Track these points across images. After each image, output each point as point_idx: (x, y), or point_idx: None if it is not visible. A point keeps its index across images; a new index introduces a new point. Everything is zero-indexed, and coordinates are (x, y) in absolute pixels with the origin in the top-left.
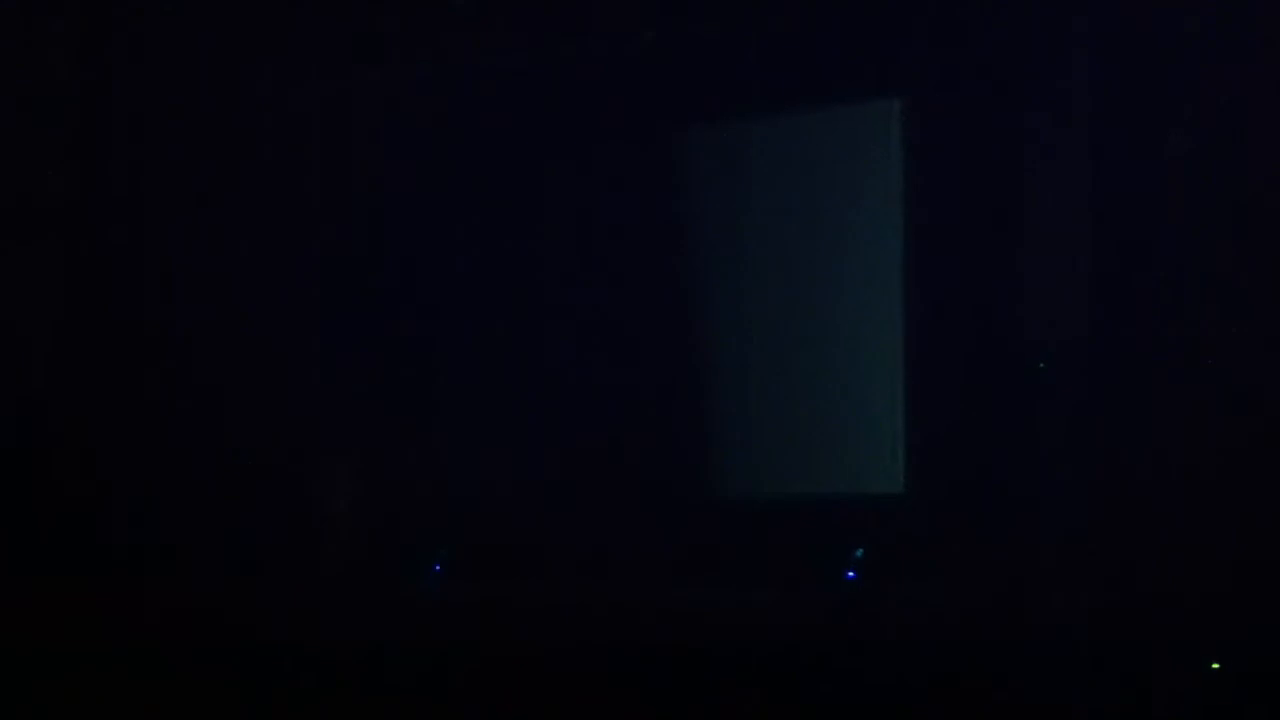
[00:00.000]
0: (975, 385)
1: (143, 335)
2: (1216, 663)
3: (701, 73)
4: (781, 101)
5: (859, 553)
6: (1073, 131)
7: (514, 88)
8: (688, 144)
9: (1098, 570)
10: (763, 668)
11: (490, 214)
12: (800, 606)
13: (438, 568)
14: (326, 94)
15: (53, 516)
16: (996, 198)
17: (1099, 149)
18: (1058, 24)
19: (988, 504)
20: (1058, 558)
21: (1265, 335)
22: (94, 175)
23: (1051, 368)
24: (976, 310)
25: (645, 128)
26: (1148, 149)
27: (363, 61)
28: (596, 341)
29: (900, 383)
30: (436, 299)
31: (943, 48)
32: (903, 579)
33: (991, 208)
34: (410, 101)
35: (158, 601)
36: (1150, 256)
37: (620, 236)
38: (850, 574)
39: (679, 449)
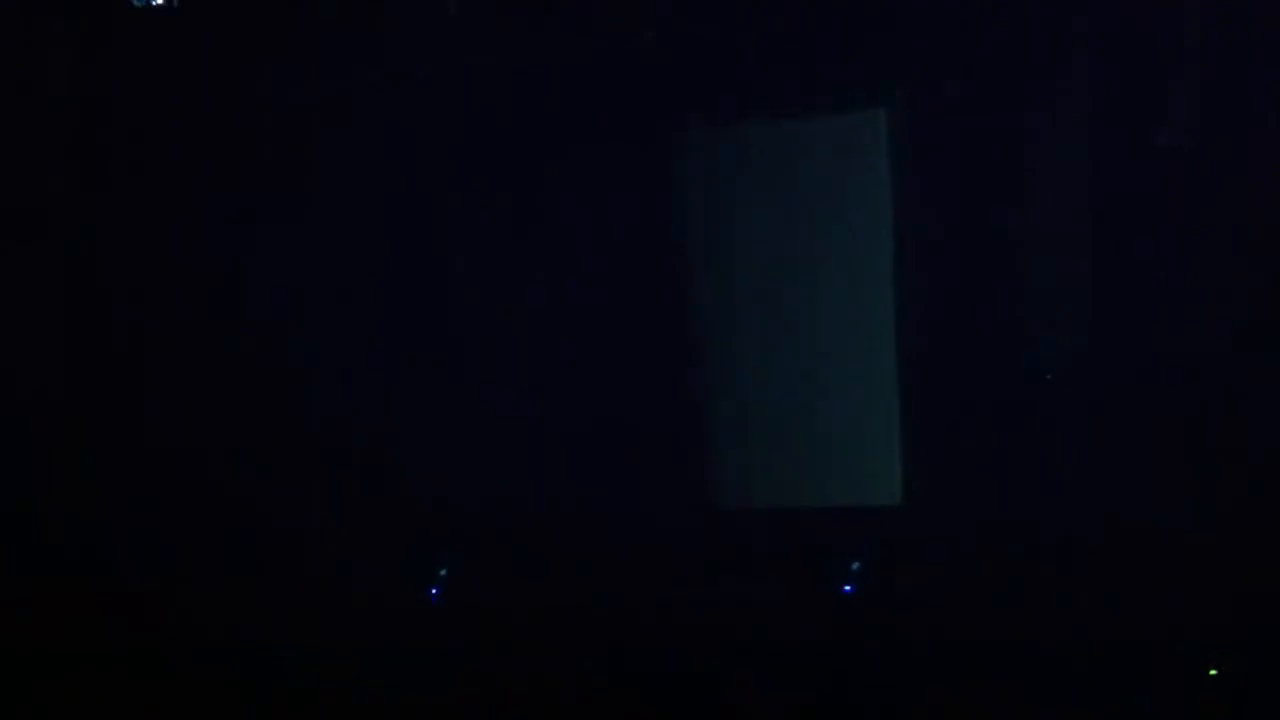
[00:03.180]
0: (974, 395)
1: (144, 336)
2: (1214, 669)
3: (695, 76)
4: (774, 105)
5: (856, 565)
6: (1071, 132)
7: (499, 93)
8: (678, 149)
9: (1097, 582)
10: (761, 672)
11: (481, 218)
12: (800, 613)
13: (441, 574)
14: (325, 96)
15: (53, 517)
16: (993, 203)
17: (1098, 148)
18: (1057, 23)
19: (987, 515)
20: (1057, 568)
21: (1267, 336)
22: (94, 176)
23: (1053, 377)
24: (973, 319)
25: (637, 132)
26: (1147, 147)
27: (362, 62)
28: (588, 353)
29: (897, 393)
30: (435, 302)
31: (942, 45)
32: (901, 590)
33: (988, 214)
34: (405, 103)
35: (158, 601)
36: (1150, 261)
37: (612, 245)
38: (848, 587)
39: (674, 462)
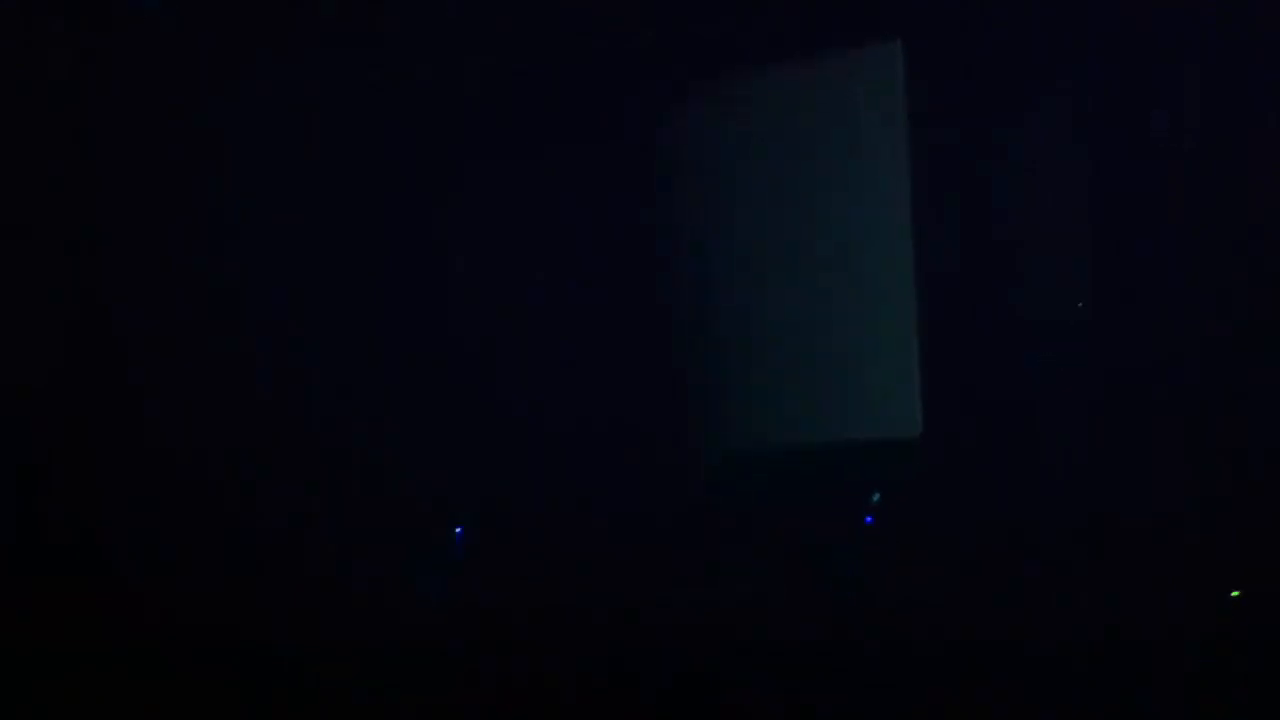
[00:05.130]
0: (991, 328)
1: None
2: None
3: (705, 20)
4: (790, 49)
5: (876, 497)
6: (1082, 78)
7: (501, 42)
8: (691, 93)
9: (1108, 531)
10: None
11: (489, 170)
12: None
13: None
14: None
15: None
16: (1007, 141)
17: (1108, 93)
18: None
19: (1004, 448)
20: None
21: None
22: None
23: (1069, 314)
24: (990, 257)
25: (653, 80)
26: (1157, 95)
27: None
28: (612, 294)
29: (914, 328)
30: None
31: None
32: (919, 525)
33: (1003, 151)
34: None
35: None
36: (1162, 193)
37: (628, 191)
38: (868, 519)
39: (693, 400)
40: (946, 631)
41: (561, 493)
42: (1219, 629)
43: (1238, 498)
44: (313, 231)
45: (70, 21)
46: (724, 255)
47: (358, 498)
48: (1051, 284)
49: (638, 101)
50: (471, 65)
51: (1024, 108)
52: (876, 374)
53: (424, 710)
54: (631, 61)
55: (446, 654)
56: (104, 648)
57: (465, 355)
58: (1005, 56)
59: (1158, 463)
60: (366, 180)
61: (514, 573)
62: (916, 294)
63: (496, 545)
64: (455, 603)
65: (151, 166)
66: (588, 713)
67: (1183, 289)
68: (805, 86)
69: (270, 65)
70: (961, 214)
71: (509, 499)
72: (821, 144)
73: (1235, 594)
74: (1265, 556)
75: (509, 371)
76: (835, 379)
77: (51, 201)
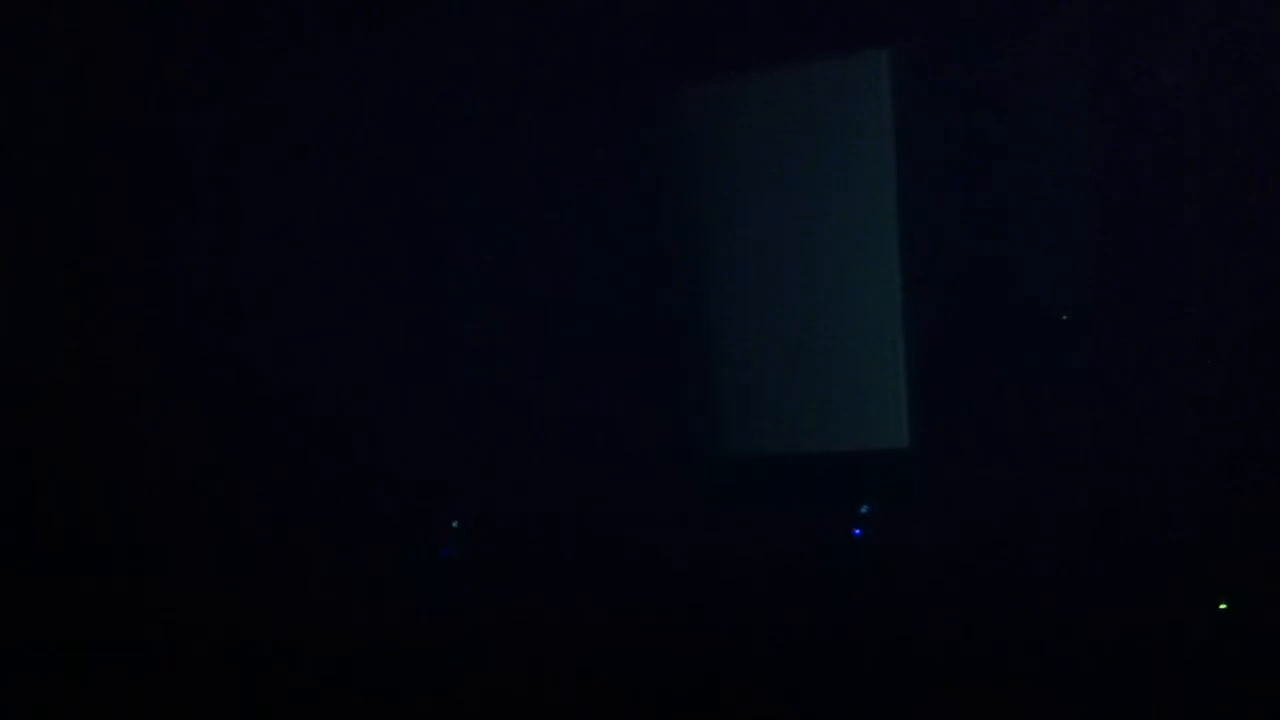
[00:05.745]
0: (978, 337)
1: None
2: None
3: (688, 27)
4: (775, 52)
5: (864, 508)
6: (1076, 74)
7: (486, 43)
8: (675, 99)
9: (1102, 532)
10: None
11: (477, 175)
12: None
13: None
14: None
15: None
16: (996, 146)
17: (1102, 94)
18: None
19: (993, 457)
20: (1062, 512)
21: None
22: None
23: (1059, 322)
24: (978, 263)
25: (637, 81)
26: (1157, 102)
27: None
28: (591, 301)
29: (901, 336)
30: (429, 284)
31: None
32: (908, 533)
33: (991, 157)
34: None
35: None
36: (1156, 203)
37: (611, 199)
38: (856, 531)
39: (680, 410)
40: (937, 643)
41: (541, 498)
42: (1219, 647)
43: (1246, 519)
44: (312, 229)
45: (70, 22)
46: (706, 262)
47: (357, 498)
48: (1044, 292)
49: (625, 107)
50: (467, 65)
51: (1019, 111)
52: (863, 383)
53: (422, 710)
54: (621, 65)
55: (443, 654)
56: (104, 648)
57: (454, 357)
58: (1000, 60)
59: (1156, 471)
60: (365, 178)
61: (514, 573)
62: (903, 302)
63: (488, 546)
64: (451, 603)
65: (151, 166)
66: (588, 713)
67: (1180, 311)
68: (791, 93)
69: (269, 63)
70: (951, 220)
71: (496, 500)
72: (807, 150)
73: (1223, 605)
74: (1266, 556)
75: (491, 375)
76: (820, 388)
77: (50, 202)
